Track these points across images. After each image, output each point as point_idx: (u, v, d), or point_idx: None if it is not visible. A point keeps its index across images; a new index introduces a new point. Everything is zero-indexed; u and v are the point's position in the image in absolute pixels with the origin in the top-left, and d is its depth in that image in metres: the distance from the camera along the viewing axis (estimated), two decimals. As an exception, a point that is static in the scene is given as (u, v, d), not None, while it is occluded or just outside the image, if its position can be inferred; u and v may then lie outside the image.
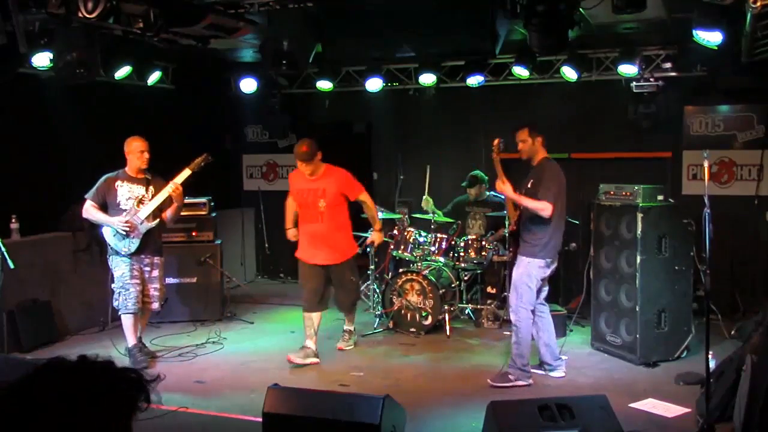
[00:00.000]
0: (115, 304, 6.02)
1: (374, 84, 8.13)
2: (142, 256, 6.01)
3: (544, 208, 5.28)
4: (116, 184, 6.00)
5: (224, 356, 6.37)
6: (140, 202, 5.98)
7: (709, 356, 4.30)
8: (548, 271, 5.51)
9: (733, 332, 6.51)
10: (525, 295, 5.44)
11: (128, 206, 5.95)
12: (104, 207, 6.00)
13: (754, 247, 7.42)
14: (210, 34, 5.87)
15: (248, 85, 8.49)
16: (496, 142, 5.56)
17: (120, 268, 5.95)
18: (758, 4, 4.07)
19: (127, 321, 5.98)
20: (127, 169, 6.05)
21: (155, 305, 6.17)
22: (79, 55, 5.87)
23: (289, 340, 6.87)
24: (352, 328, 6.71)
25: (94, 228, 7.30)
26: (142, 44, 6.36)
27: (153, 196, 5.98)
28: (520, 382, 5.42)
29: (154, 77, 7.79)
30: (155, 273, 6.11)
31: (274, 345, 6.72)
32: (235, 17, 5.74)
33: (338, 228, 6.20)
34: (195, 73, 8.36)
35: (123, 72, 7.30)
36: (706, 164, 4.44)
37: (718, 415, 4.31)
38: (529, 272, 5.42)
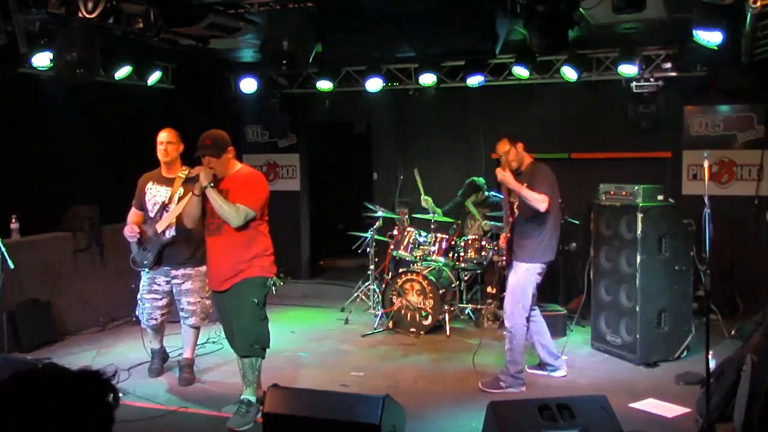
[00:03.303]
0: (137, 312, 5.72)
1: (374, 84, 8.12)
2: (167, 269, 5.44)
3: (542, 199, 5.19)
4: (147, 186, 5.38)
5: (224, 356, 6.36)
6: (164, 208, 5.31)
7: (709, 356, 4.31)
8: (543, 274, 5.46)
9: (733, 332, 6.50)
10: (523, 300, 5.36)
11: (154, 213, 5.32)
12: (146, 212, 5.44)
13: (754, 247, 7.42)
14: (210, 34, 5.86)
15: (248, 85, 8.49)
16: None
17: (142, 279, 5.54)
18: (758, 4, 4.06)
19: (144, 330, 5.75)
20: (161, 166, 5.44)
21: (190, 320, 5.54)
22: (79, 55, 5.85)
23: (288, 340, 6.87)
24: (252, 398, 4.75)
25: (94, 228, 7.33)
26: (142, 44, 6.35)
27: (180, 200, 5.15)
28: (511, 390, 5.31)
29: (154, 77, 7.78)
30: (187, 285, 5.46)
31: (273, 345, 6.61)
32: (235, 17, 5.74)
33: (246, 242, 4.68)
34: (195, 73, 8.35)
35: (123, 72, 7.29)
36: (706, 164, 4.44)
37: (718, 415, 4.32)
38: (529, 277, 5.35)
